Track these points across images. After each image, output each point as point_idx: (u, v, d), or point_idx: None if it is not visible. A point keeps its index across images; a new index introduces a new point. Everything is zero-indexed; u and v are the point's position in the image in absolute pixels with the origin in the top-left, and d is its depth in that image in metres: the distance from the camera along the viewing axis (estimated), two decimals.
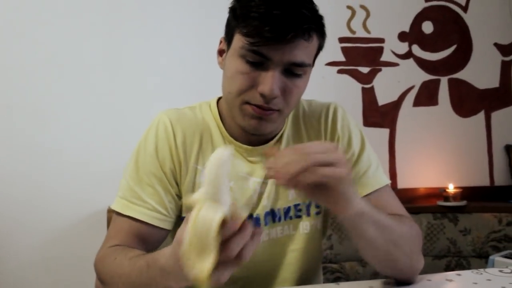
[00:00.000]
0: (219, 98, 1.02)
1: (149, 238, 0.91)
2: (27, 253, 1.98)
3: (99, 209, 1.99)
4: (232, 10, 0.88)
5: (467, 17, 2.49)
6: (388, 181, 0.99)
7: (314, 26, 0.85)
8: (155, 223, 0.91)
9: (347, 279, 2.00)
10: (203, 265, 0.55)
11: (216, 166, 0.57)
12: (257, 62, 0.84)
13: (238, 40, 0.85)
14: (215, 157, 0.58)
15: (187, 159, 0.94)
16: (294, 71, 0.86)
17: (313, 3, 0.87)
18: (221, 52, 0.95)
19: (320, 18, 0.87)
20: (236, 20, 0.86)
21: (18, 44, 2.01)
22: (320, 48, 0.91)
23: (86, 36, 2.07)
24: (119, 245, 0.88)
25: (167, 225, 0.93)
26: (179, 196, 0.95)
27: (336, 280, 2.00)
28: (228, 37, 0.89)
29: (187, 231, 0.56)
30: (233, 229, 0.57)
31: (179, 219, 0.97)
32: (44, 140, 2.02)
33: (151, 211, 0.90)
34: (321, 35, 0.88)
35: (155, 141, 0.94)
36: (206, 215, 0.56)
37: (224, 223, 0.56)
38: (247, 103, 0.87)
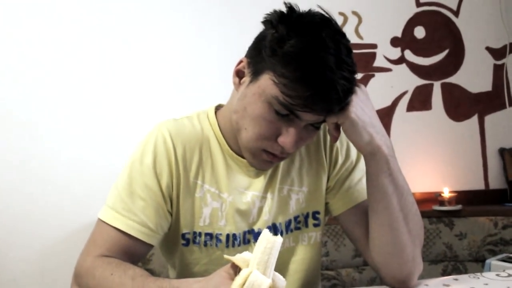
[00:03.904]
0: (216, 107, 0.99)
1: (134, 252, 0.89)
2: (21, 265, 1.95)
3: (94, 220, 1.96)
4: (271, 49, 0.78)
5: (458, 22, 2.49)
6: None
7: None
8: (143, 238, 0.88)
9: (344, 286, 1.98)
10: None
11: (270, 248, 0.66)
12: (285, 114, 0.81)
13: (271, 86, 0.79)
14: (269, 240, 0.66)
15: (187, 173, 0.92)
16: (315, 125, 0.85)
17: (352, 58, 0.81)
18: (238, 73, 0.88)
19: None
20: (274, 63, 0.78)
21: (11, 52, 1.99)
22: None
23: (77, 45, 2.06)
24: (107, 256, 0.86)
25: (153, 241, 0.90)
26: (171, 213, 0.93)
27: (333, 287, 1.99)
28: (255, 67, 0.83)
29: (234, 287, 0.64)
30: None
31: (176, 235, 0.95)
32: (36, 152, 2.00)
33: (140, 225, 0.88)
34: None
35: (154, 154, 0.90)
36: (255, 280, 0.63)
37: None
38: (264, 150, 0.85)
